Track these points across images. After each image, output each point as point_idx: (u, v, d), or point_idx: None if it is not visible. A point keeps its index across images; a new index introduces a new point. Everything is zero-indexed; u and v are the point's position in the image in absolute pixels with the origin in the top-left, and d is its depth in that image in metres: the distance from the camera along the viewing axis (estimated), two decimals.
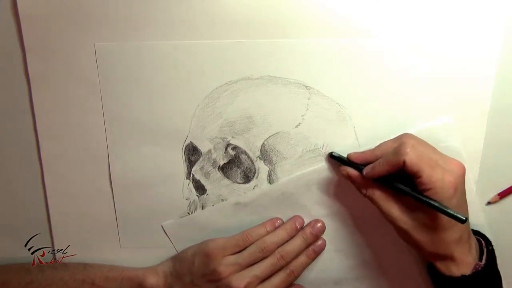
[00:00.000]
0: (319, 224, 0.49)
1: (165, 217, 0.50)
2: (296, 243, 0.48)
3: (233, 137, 0.47)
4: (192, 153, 0.48)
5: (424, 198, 0.39)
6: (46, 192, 0.49)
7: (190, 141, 0.47)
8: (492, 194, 0.48)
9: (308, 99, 0.45)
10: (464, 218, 0.38)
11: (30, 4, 0.43)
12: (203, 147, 0.47)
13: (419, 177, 0.39)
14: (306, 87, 0.45)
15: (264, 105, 0.46)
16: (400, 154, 0.40)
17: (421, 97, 0.45)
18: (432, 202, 0.39)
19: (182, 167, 0.48)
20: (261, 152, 0.47)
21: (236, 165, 0.48)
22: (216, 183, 0.49)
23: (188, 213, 0.50)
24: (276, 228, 0.48)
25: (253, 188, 0.48)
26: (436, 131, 0.46)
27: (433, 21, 0.43)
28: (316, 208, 0.49)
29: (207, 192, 0.49)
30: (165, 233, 0.50)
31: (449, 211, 0.38)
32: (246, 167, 0.48)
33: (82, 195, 0.49)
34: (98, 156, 0.48)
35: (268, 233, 0.48)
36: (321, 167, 0.47)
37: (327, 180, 0.48)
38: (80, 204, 0.50)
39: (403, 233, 0.42)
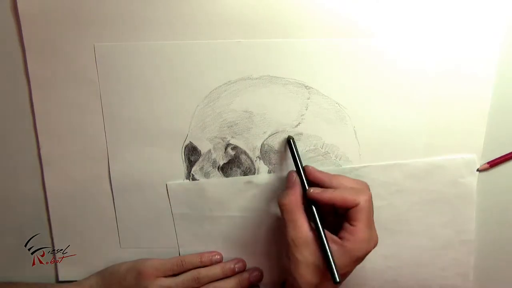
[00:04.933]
0: (256, 273, 0.50)
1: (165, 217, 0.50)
2: (230, 284, 0.48)
3: (232, 137, 0.47)
4: (191, 153, 0.48)
5: (327, 246, 0.39)
6: (46, 192, 0.49)
7: (190, 141, 0.47)
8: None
9: (308, 98, 0.45)
10: (338, 281, 0.37)
11: (30, 4, 0.43)
12: (203, 147, 0.47)
13: (352, 225, 0.39)
14: (305, 86, 0.45)
15: (263, 105, 0.46)
16: (358, 196, 0.40)
17: (421, 97, 0.45)
18: (328, 251, 0.38)
19: (182, 167, 0.48)
20: (260, 152, 0.47)
21: (236, 165, 0.48)
22: None
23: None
24: (211, 261, 0.49)
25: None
26: (458, 165, 0.46)
27: (433, 21, 0.43)
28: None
29: None
30: (167, 192, 0.49)
31: (333, 266, 0.38)
32: (246, 167, 0.48)
33: (82, 195, 0.49)
34: (98, 156, 0.48)
35: (202, 263, 0.49)
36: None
37: None
38: (80, 204, 0.50)
39: (293, 261, 0.40)
